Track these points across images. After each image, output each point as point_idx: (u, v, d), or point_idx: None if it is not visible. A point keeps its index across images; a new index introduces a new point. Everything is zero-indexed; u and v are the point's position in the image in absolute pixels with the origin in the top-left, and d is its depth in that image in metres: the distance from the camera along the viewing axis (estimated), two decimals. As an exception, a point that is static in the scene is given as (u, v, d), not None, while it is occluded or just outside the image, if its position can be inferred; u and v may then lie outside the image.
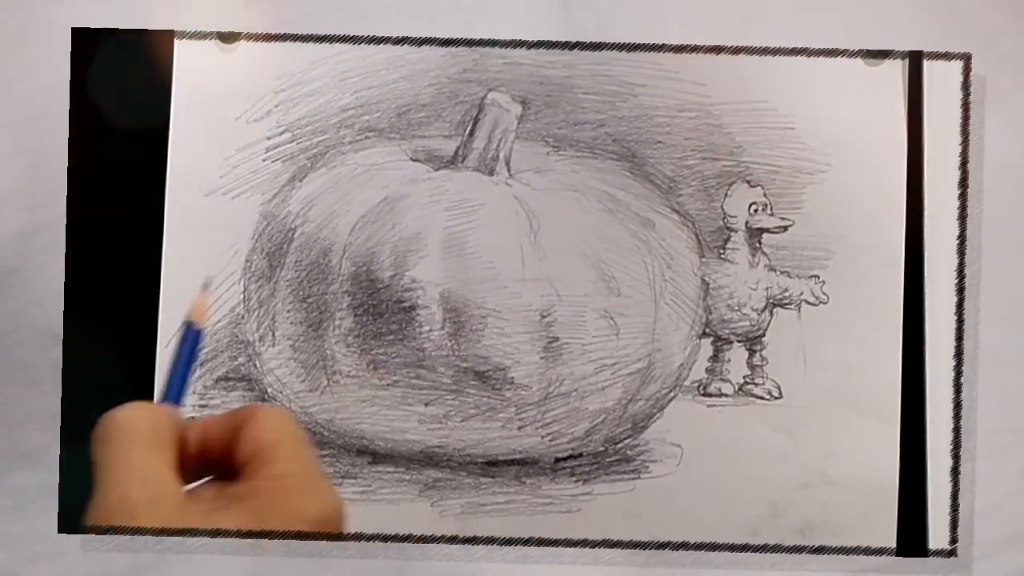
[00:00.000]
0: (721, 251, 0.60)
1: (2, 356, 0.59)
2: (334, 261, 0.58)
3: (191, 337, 0.47)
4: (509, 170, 0.59)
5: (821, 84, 0.59)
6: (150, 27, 0.59)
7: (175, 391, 0.47)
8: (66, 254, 0.58)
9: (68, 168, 0.58)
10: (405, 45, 0.59)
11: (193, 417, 0.55)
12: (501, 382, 0.57)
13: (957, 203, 0.59)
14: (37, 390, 0.58)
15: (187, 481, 0.44)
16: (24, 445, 0.58)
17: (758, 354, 0.60)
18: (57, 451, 0.58)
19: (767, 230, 0.60)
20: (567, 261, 0.57)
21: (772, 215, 0.59)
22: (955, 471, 0.58)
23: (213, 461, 0.45)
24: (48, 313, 0.58)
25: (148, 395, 0.58)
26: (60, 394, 0.58)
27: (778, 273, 0.60)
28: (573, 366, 0.57)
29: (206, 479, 0.45)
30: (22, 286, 0.59)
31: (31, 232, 0.59)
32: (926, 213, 0.59)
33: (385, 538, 0.58)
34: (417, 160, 0.59)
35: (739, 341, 0.60)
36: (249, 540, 0.58)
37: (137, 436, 0.43)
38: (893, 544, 0.58)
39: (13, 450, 0.58)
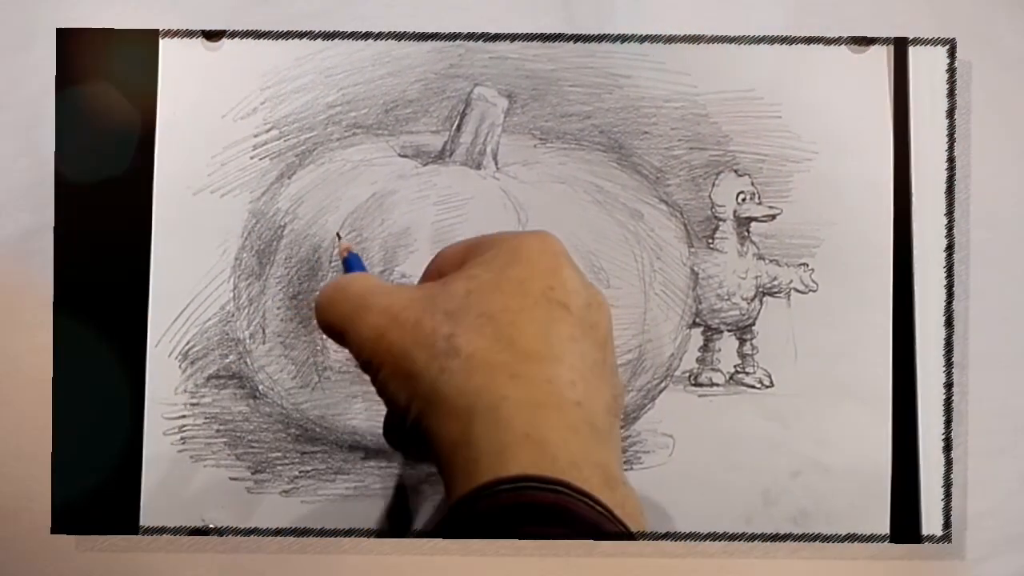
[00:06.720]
0: (710, 241, 0.60)
1: (1, 356, 0.59)
2: (323, 258, 0.58)
3: (352, 261, 0.52)
4: (496, 164, 0.59)
5: (807, 72, 0.59)
6: (135, 26, 0.59)
7: None
8: (55, 254, 0.58)
9: (55, 169, 0.58)
10: (390, 40, 0.59)
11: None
12: (492, 375, 0.57)
13: (944, 188, 0.59)
14: (36, 390, 0.58)
15: None
16: (21, 446, 0.58)
17: (748, 343, 0.60)
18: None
19: (755, 219, 0.60)
20: (556, 253, 0.57)
21: (760, 204, 0.59)
22: (947, 456, 0.58)
23: None
24: (47, 313, 0.58)
25: (140, 393, 0.58)
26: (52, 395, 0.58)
27: (767, 262, 0.60)
28: (564, 358, 0.57)
29: None
30: (22, 286, 0.59)
31: (30, 232, 0.59)
32: (913, 198, 0.59)
33: (379, 533, 0.58)
34: (405, 155, 0.59)
35: (729, 330, 0.60)
36: (241, 538, 0.58)
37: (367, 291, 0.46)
38: (887, 530, 0.58)
39: (11, 450, 0.58)
